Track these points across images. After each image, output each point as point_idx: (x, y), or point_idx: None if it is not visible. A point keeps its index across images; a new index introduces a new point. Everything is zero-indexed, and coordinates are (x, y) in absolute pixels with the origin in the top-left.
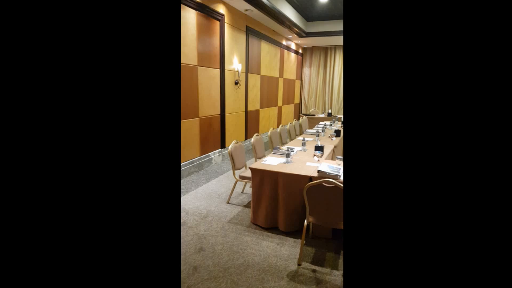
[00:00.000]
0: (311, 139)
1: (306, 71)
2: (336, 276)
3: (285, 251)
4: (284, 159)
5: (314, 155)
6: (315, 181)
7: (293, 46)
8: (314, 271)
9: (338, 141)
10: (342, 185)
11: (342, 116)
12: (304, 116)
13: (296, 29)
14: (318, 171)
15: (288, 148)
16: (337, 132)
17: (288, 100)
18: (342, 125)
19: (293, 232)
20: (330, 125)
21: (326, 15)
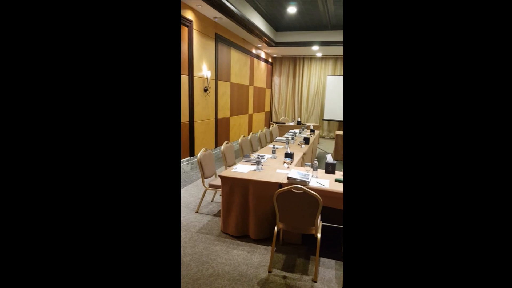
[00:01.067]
0: (281, 146)
1: (276, 79)
2: (306, 281)
3: (255, 259)
4: (254, 167)
5: (284, 162)
6: (285, 188)
7: (263, 55)
8: (284, 277)
9: (307, 148)
10: (311, 191)
11: (311, 124)
12: (274, 124)
13: (266, 38)
14: (288, 178)
15: (258, 155)
16: (306, 140)
17: (258, 108)
18: (311, 132)
19: (264, 239)
20: (300, 132)
21: (294, 26)
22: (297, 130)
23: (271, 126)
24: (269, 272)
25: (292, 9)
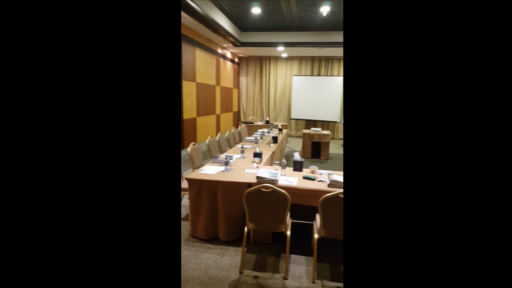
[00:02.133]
0: (250, 146)
1: (243, 79)
2: (277, 279)
3: (226, 261)
4: (223, 167)
5: (253, 161)
6: (254, 187)
7: (229, 55)
8: (255, 277)
9: (275, 147)
10: (280, 189)
11: (279, 123)
12: (243, 124)
13: (231, 38)
14: (257, 177)
15: (227, 156)
16: (274, 139)
17: (226, 108)
18: (279, 131)
19: (234, 240)
20: (268, 132)
21: (259, 26)
22: (265, 130)
23: (239, 126)
24: (240, 273)
25: (256, 10)
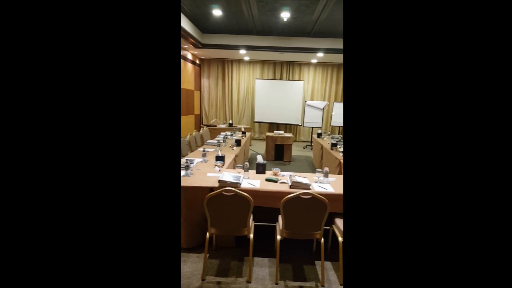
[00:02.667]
0: (213, 149)
1: (205, 82)
2: (241, 283)
3: (188, 268)
4: (183, 172)
5: (215, 165)
6: (215, 191)
7: (189, 56)
8: (218, 283)
9: (239, 150)
10: (242, 192)
11: (242, 126)
12: (205, 127)
13: (192, 40)
14: (219, 181)
15: (187, 160)
16: (237, 142)
17: (187, 111)
18: (243, 134)
19: (196, 247)
20: (231, 135)
21: (221, 29)
22: (228, 133)
23: (201, 129)
24: (203, 280)
25: (217, 12)
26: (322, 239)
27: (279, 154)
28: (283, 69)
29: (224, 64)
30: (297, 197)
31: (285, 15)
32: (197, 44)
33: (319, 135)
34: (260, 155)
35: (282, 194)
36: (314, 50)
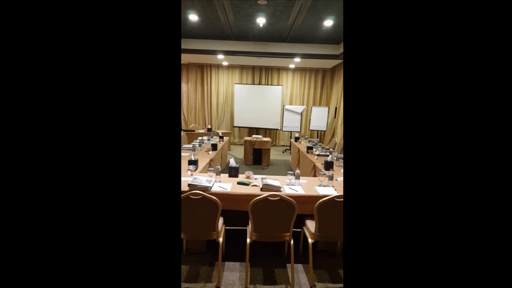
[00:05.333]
0: (188, 154)
1: (183, 86)
2: None
3: None
4: None
5: (188, 169)
6: (183, 195)
7: None
8: None
9: (214, 154)
10: (209, 195)
11: (220, 131)
12: (182, 131)
13: None
14: (189, 185)
15: None
16: (213, 146)
17: None
18: (220, 139)
19: None
20: (208, 139)
21: (198, 34)
22: (205, 137)
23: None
24: None
25: (193, 17)
26: (292, 241)
27: (257, 158)
28: (261, 74)
29: (203, 69)
30: (265, 199)
31: (261, 21)
32: None
33: (296, 139)
34: (232, 159)
35: (252, 197)
36: (291, 55)
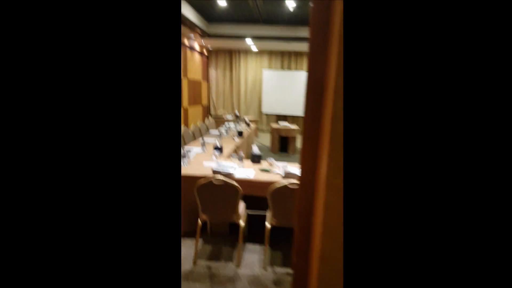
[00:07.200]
0: (214, 139)
1: (213, 72)
2: (231, 268)
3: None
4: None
5: (214, 155)
6: (205, 180)
7: (197, 47)
8: (209, 267)
9: (240, 141)
10: (231, 181)
11: (247, 117)
12: (210, 117)
13: (198, 29)
14: (213, 171)
15: (186, 149)
16: (239, 133)
17: (195, 101)
18: (246, 125)
19: (191, 231)
20: (235, 126)
21: (227, 18)
22: (233, 124)
23: (205, 119)
24: (194, 263)
25: (222, 2)
26: None
27: (284, 146)
28: (291, 59)
29: (231, 55)
30: (284, 186)
31: (291, 4)
32: (204, 35)
33: None
34: (255, 146)
35: (273, 184)
36: None
